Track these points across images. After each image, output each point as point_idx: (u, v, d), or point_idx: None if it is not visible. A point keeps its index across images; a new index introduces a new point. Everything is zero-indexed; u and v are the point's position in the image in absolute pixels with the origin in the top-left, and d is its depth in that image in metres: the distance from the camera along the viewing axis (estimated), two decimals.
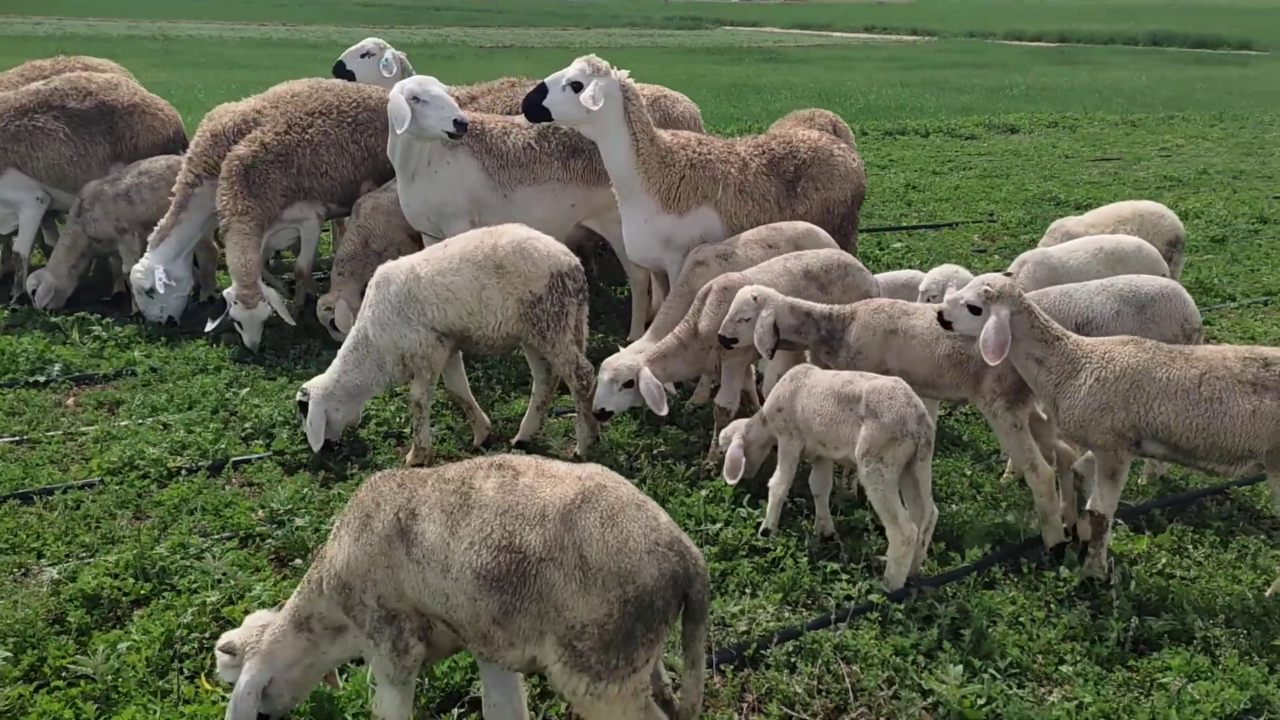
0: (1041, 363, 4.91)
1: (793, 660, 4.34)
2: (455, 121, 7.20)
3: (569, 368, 6.12)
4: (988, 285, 4.88)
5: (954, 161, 18.83)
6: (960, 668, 4.23)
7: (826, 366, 5.53)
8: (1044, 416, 5.51)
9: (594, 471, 3.36)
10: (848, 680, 4.22)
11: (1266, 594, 4.88)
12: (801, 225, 6.73)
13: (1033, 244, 10.48)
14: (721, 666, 4.29)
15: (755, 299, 5.53)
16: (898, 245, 11.82)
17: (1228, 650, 4.40)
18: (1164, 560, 5.17)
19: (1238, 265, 11.34)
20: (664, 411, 5.94)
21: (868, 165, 17.83)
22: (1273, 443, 4.61)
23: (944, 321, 5.03)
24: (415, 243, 8.32)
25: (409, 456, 6.22)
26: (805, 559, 5.05)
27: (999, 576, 5.01)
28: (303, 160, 8.23)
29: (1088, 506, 4.98)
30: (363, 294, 6.39)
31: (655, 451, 6.30)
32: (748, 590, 4.87)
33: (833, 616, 4.56)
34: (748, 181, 7.23)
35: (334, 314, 8.05)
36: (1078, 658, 4.43)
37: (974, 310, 4.91)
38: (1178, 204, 14.31)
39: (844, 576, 4.92)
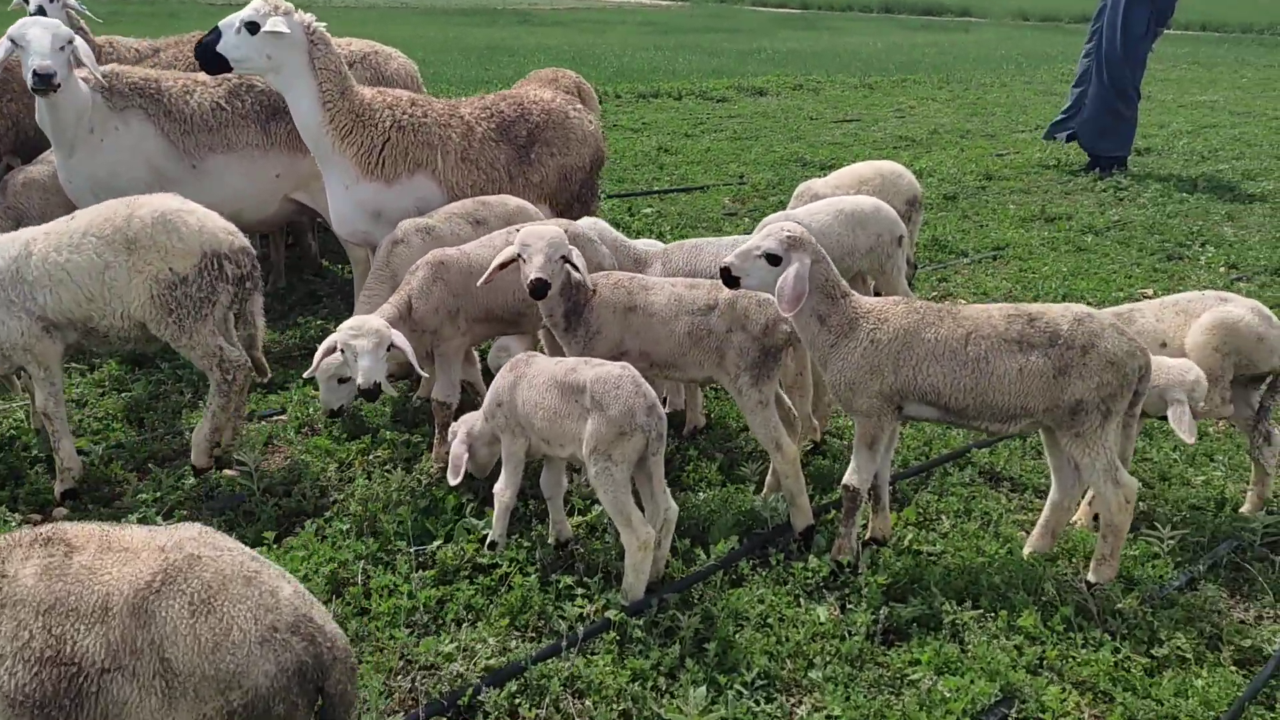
0: (824, 320, 4.52)
1: (516, 703, 3.74)
2: (34, 73, 5.87)
3: (209, 360, 5.17)
4: (789, 232, 4.42)
5: (706, 124, 18.73)
6: (703, 689, 3.75)
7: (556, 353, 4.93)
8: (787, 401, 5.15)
9: (185, 538, 2.56)
10: None
11: (1025, 553, 4.70)
12: (513, 202, 6.07)
13: (782, 205, 10.34)
14: None
15: (563, 248, 4.73)
16: (648, 211, 11.41)
17: (975, 635, 4.15)
18: (910, 537, 4.91)
19: (968, 221, 11.63)
20: (424, 373, 5.19)
21: (621, 129, 17.52)
22: (1048, 400, 4.38)
23: (731, 278, 4.50)
24: None
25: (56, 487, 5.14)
26: (536, 574, 4.45)
27: (747, 571, 4.59)
28: None
29: (844, 481, 4.64)
30: None
31: (370, 457, 5.52)
32: (468, 619, 4.22)
33: (563, 643, 3.98)
34: (472, 148, 6.49)
35: None
36: (828, 659, 4.06)
37: (772, 261, 4.43)
38: (913, 163, 14.65)
39: (579, 591, 4.36)
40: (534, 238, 4.68)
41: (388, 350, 4.81)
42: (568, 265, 4.78)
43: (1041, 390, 4.40)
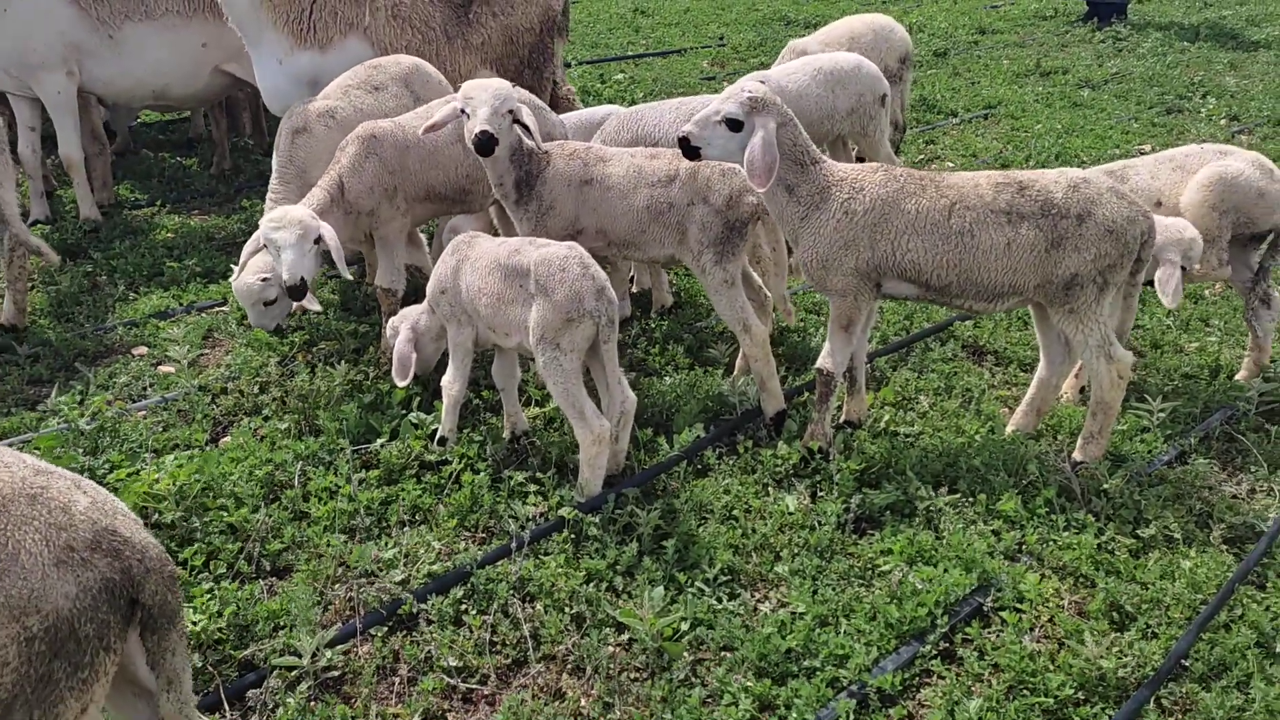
0: (792, 191, 4.15)
1: (462, 609, 3.55)
2: None
3: None
4: (750, 92, 4.02)
5: None
6: (661, 589, 3.55)
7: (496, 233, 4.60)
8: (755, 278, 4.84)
9: None
10: (525, 627, 3.47)
11: (1008, 431, 4.48)
12: (407, 61, 5.58)
13: (764, 67, 9.84)
14: (371, 632, 3.44)
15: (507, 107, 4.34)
16: (620, 77, 10.85)
17: (951, 521, 3.95)
18: (887, 418, 4.68)
19: (959, 79, 11.11)
20: (348, 275, 4.77)
21: None
22: (1041, 276, 4.07)
23: (690, 148, 4.11)
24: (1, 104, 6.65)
25: None
26: (487, 471, 4.22)
27: (713, 461, 4.37)
28: None
29: (817, 365, 4.37)
30: None
31: (315, 349, 5.24)
32: (413, 521, 4.01)
33: (513, 544, 3.78)
34: (403, 4, 6.00)
35: None
36: (795, 551, 3.87)
37: (733, 126, 4.04)
38: (903, 18, 13.99)
39: (532, 489, 4.14)
40: (478, 89, 4.30)
41: (315, 244, 4.47)
42: (517, 125, 4.40)
43: (1033, 265, 4.06)
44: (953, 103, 10.09)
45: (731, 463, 4.38)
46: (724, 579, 3.74)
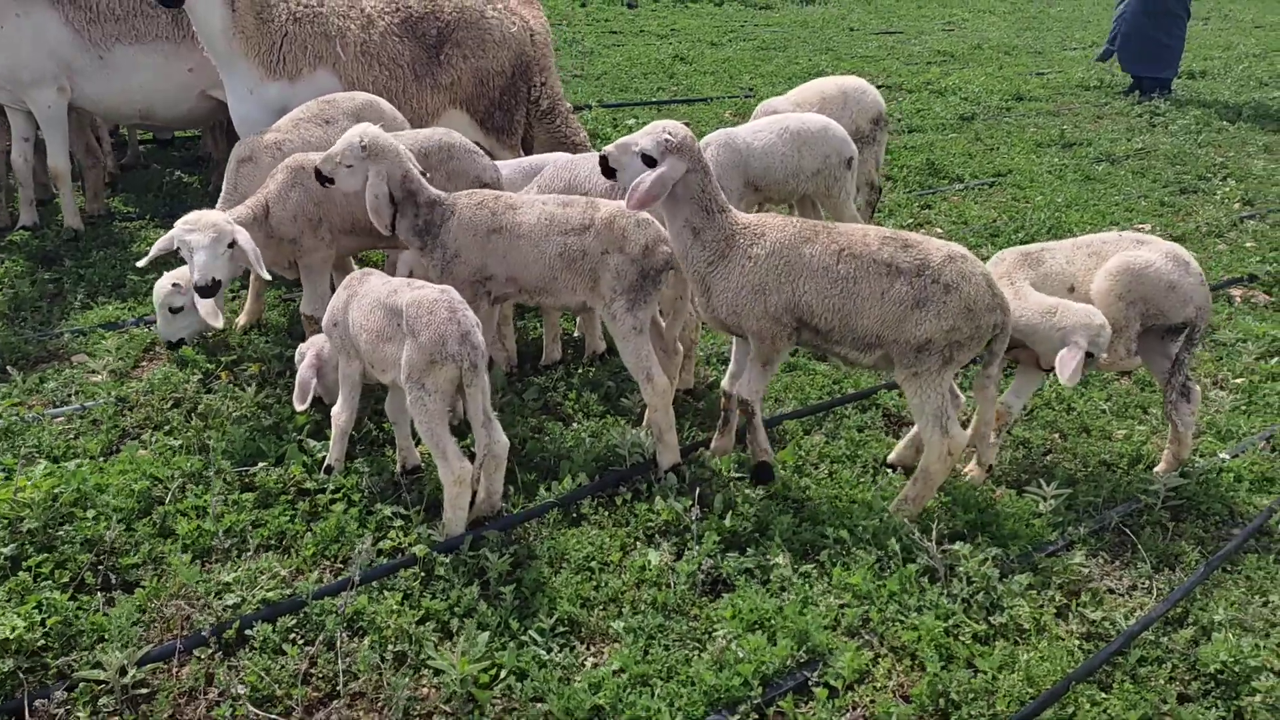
0: (698, 235, 4.33)
1: (291, 638, 3.64)
2: None
3: None
4: (669, 134, 4.22)
5: (737, 32, 18.13)
6: (485, 635, 3.61)
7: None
8: (660, 323, 4.91)
9: None
10: (341, 662, 3.54)
11: (890, 509, 4.49)
12: (361, 97, 5.78)
13: None
14: (196, 654, 3.54)
15: (365, 146, 4.54)
16: (632, 121, 11.02)
17: (798, 591, 3.94)
18: (778, 482, 4.69)
19: (978, 145, 11.07)
20: (267, 276, 4.91)
21: (647, 35, 17.02)
22: (898, 333, 4.21)
23: (608, 168, 4.38)
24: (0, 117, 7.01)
25: None
26: (363, 503, 4.33)
27: (589, 511, 4.42)
28: None
29: (733, 391, 4.59)
30: None
31: (238, 370, 5.42)
32: (277, 546, 4.12)
33: (355, 577, 3.86)
34: (372, 42, 6.22)
35: None
36: (642, 607, 3.89)
37: (648, 161, 4.25)
38: (940, 80, 14.05)
39: (398, 524, 4.23)
40: (350, 135, 4.52)
41: (229, 248, 4.66)
42: (402, 175, 4.57)
43: (897, 320, 4.21)
44: (961, 168, 10.06)
45: (607, 514, 4.42)
46: (562, 630, 3.78)
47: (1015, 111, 12.80)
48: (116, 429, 4.87)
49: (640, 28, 18.12)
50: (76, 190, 7.49)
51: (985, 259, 4.97)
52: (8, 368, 5.30)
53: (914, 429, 4.86)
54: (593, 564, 4.11)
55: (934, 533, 4.20)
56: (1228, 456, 5.07)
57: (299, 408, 4.63)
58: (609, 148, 4.44)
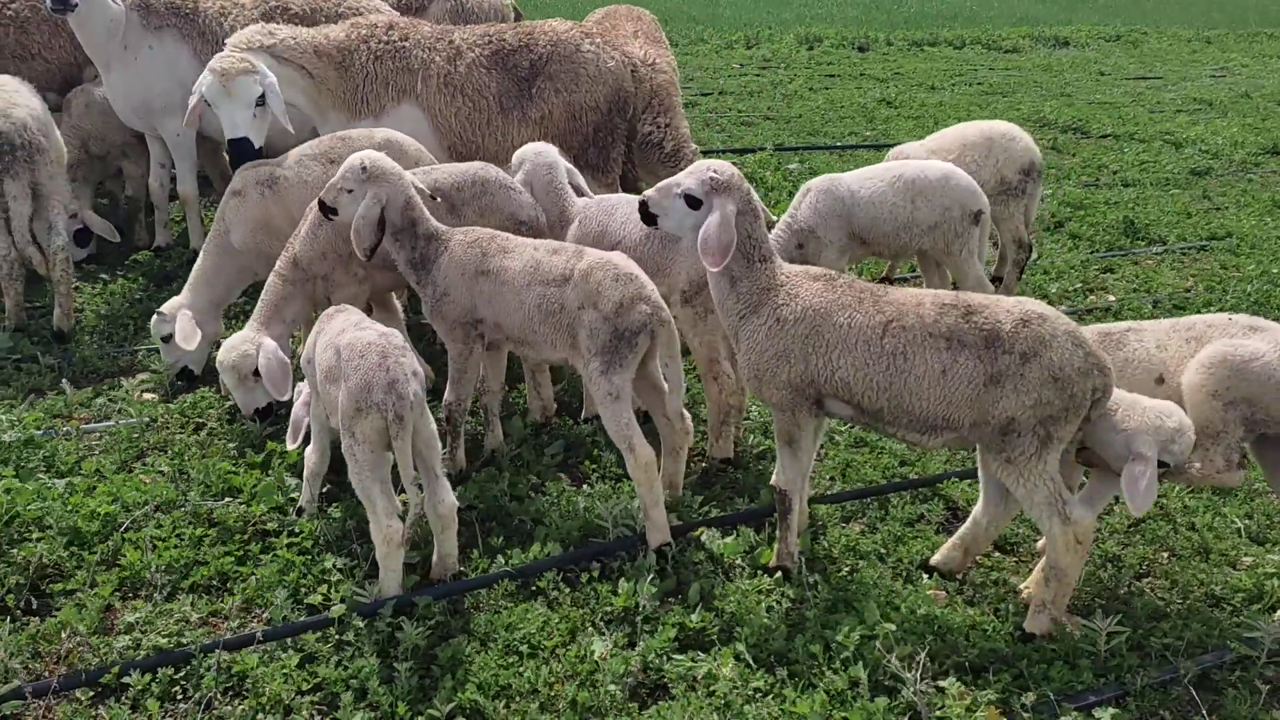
0: (735, 284, 3.94)
1: (173, 690, 3.46)
2: None
3: None
4: (715, 172, 3.90)
5: (964, 76, 17.19)
6: (361, 715, 3.29)
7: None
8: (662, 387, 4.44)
9: None
10: None
11: (933, 561, 3.90)
12: (381, 134, 5.62)
13: None
14: (78, 695, 3.42)
15: (365, 169, 4.43)
16: (795, 166, 10.50)
17: (736, 711, 3.36)
18: (773, 580, 4.09)
19: (1202, 204, 9.73)
20: (286, 396, 4.82)
21: (867, 78, 16.39)
22: (976, 413, 3.63)
23: (648, 214, 4.08)
24: (141, 144, 7.48)
25: None
26: (314, 551, 4.14)
27: (547, 586, 4.00)
28: (5, 40, 7.35)
29: (772, 481, 4.10)
30: None
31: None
32: (208, 589, 3.99)
33: (258, 634, 3.64)
34: (457, 74, 6.14)
35: (83, 223, 7.28)
36: (561, 706, 3.44)
37: (692, 203, 3.94)
38: (1183, 129, 12.60)
39: (335, 577, 3.99)
40: (351, 159, 4.38)
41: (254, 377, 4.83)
42: (404, 202, 4.40)
43: (968, 400, 3.65)
44: (1167, 229, 8.84)
45: (566, 592, 3.99)
46: (460, 713, 3.40)
47: (1263, 168, 11.22)
48: (134, 449, 4.94)
49: (862, 71, 17.49)
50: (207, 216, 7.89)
51: None
52: (64, 380, 5.53)
53: (965, 525, 4.17)
54: (526, 647, 3.70)
55: (921, 661, 3.49)
56: None
57: (290, 445, 4.53)
58: (649, 191, 4.13)
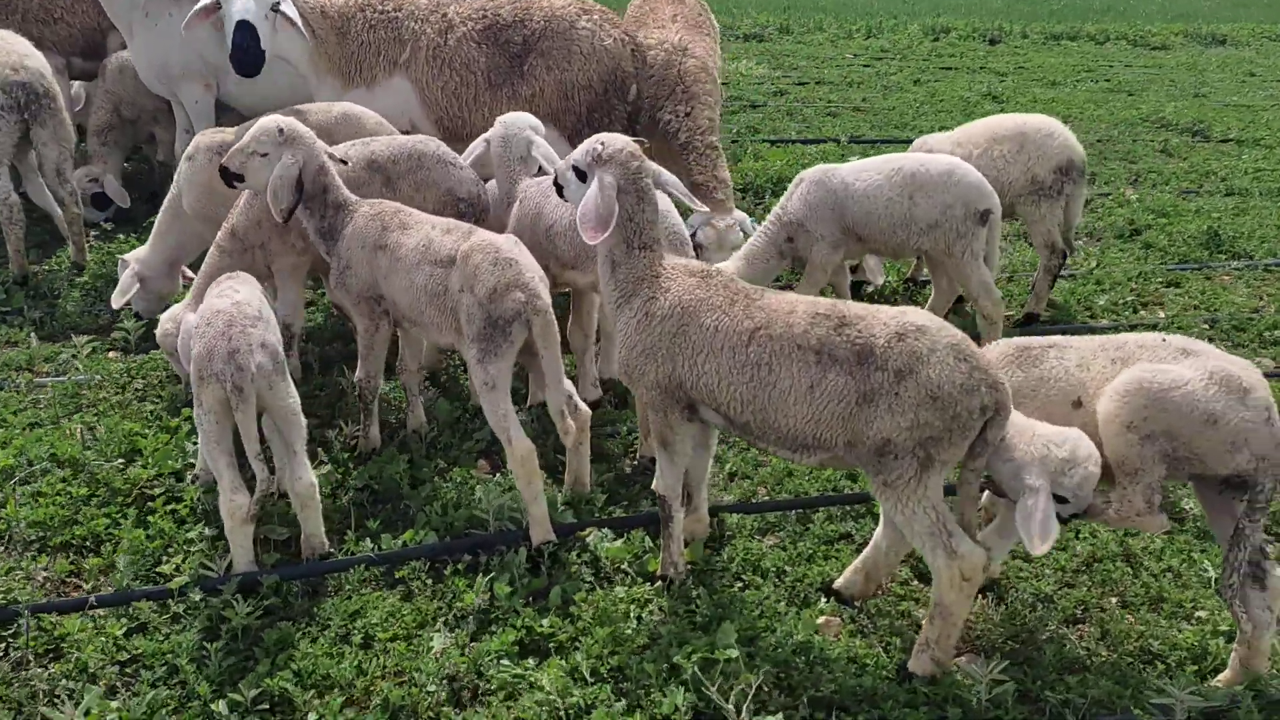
0: (615, 270, 3.72)
1: None
2: None
3: None
4: (601, 144, 3.71)
5: (1094, 72, 16.17)
6: (156, 692, 3.22)
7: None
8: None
9: None
10: None
11: (836, 585, 3.76)
12: (339, 108, 5.52)
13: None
14: None
15: (283, 132, 4.38)
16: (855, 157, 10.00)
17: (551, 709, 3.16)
18: (625, 590, 3.84)
19: None
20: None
21: (988, 74, 15.59)
22: (849, 433, 3.35)
23: (557, 185, 3.95)
24: (171, 110, 7.67)
25: None
26: (188, 518, 4.12)
27: (409, 575, 3.86)
28: (29, 3, 7.62)
29: (653, 486, 3.86)
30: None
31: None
32: (84, 549, 4.00)
33: (91, 599, 3.62)
34: (446, 47, 6.05)
35: (102, 186, 7.55)
36: (373, 703, 3.31)
37: (580, 175, 3.78)
38: None
39: (200, 546, 3.95)
40: (264, 122, 4.31)
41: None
42: (318, 168, 4.31)
43: (838, 419, 3.36)
44: (1256, 244, 8.05)
45: (429, 583, 3.85)
46: (262, 707, 3.30)
47: None
48: (73, 404, 5.04)
49: (984, 65, 16.68)
50: None
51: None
52: (30, 333, 5.68)
53: (868, 549, 3.85)
54: (361, 636, 3.58)
55: (751, 693, 3.20)
56: None
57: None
58: (559, 163, 3.96)
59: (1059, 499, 3.29)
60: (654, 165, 3.80)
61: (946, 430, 3.24)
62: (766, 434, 3.51)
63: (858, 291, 6.77)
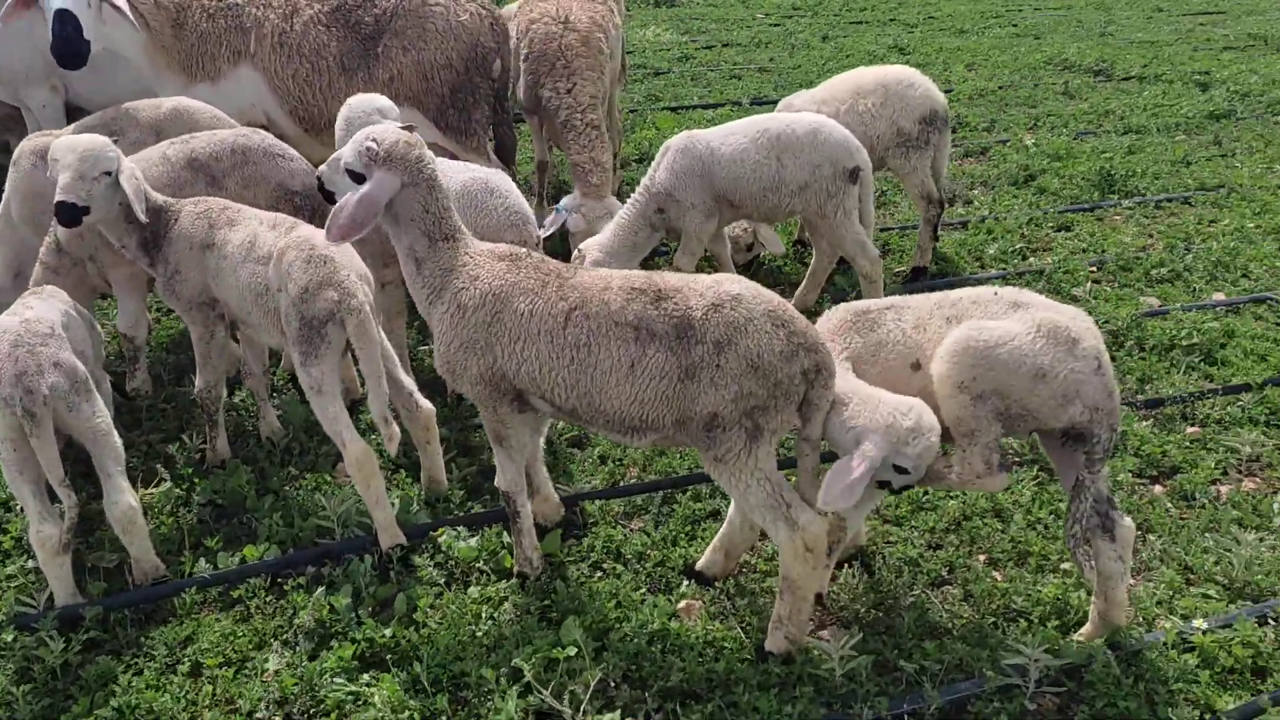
0: (421, 266, 3.50)
1: None
2: None
3: None
4: (373, 141, 3.42)
5: (1001, 18, 16.14)
6: None
7: None
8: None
9: None
10: None
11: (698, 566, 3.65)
12: (169, 104, 5.29)
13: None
14: None
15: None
16: None
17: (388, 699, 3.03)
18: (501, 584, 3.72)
19: (1207, 152, 8.86)
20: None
21: (899, 26, 15.49)
22: (677, 411, 3.24)
23: (325, 191, 3.67)
24: (16, 119, 7.35)
25: None
26: (13, 550, 3.92)
27: (246, 594, 3.69)
28: None
29: (495, 483, 3.71)
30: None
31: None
32: None
33: None
34: (293, 33, 5.80)
35: None
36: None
37: (355, 178, 3.48)
38: (1223, 68, 11.58)
39: (19, 581, 3.76)
40: (64, 150, 3.98)
41: None
42: (125, 184, 4.03)
43: (663, 397, 3.25)
44: (1149, 182, 8.04)
45: (268, 600, 3.69)
46: None
47: None
48: None
49: (893, 17, 16.59)
50: None
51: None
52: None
53: (724, 527, 3.75)
54: (189, 664, 3.41)
55: (589, 690, 3.08)
56: (1206, 626, 3.42)
57: None
58: (322, 167, 3.68)
59: (899, 469, 3.20)
60: (431, 153, 3.55)
61: (771, 398, 3.16)
62: (595, 418, 3.38)
63: (758, 263, 6.67)
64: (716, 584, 3.77)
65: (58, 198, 3.90)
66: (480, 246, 3.55)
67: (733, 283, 3.25)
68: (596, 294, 3.31)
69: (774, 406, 3.16)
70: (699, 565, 3.82)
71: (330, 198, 3.66)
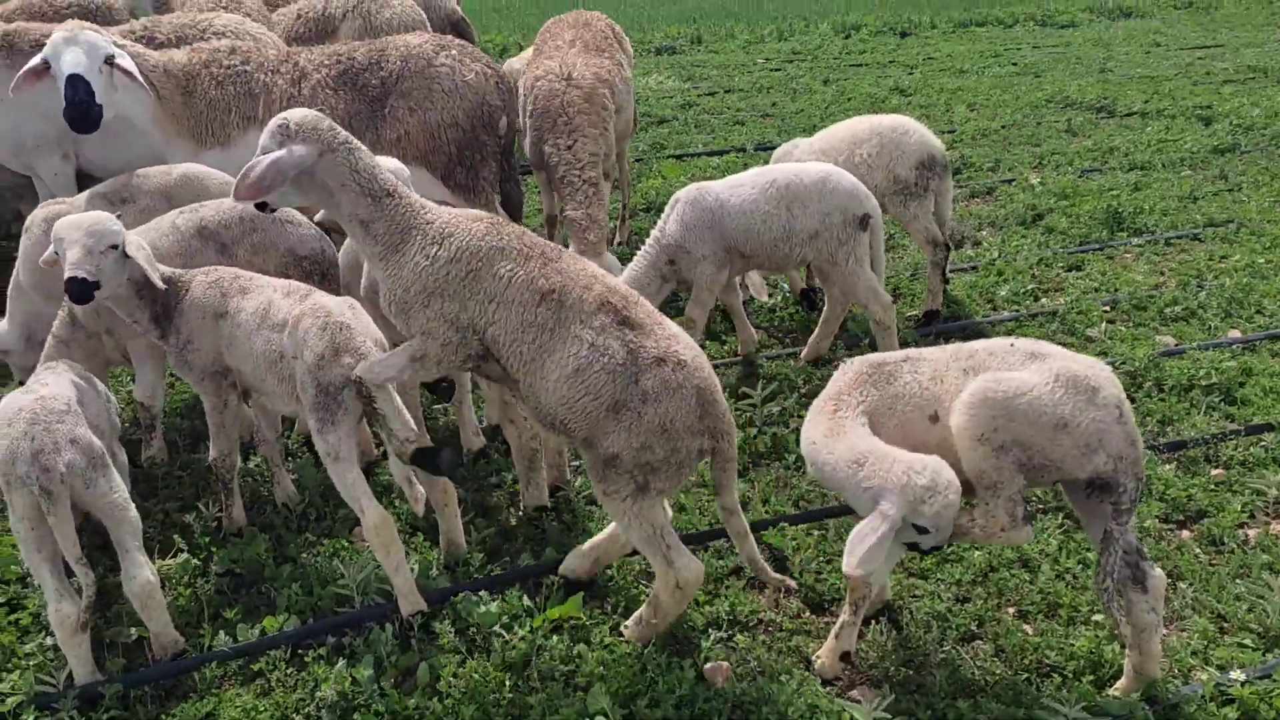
0: (368, 228, 3.54)
1: None
2: None
3: None
4: (285, 118, 3.48)
5: (1000, 57, 16.27)
6: None
7: None
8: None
9: None
10: None
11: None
12: (179, 170, 5.34)
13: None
14: None
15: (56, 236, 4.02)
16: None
17: None
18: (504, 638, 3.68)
19: (1214, 186, 8.87)
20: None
21: (897, 67, 15.64)
22: (585, 430, 3.44)
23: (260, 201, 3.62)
24: (27, 187, 7.41)
25: None
26: (31, 627, 3.89)
27: (267, 668, 3.65)
28: None
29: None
30: None
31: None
32: None
33: None
34: (300, 97, 5.85)
35: None
36: None
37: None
38: (1225, 101, 11.64)
39: (37, 659, 3.72)
40: (69, 228, 3.98)
41: None
42: (131, 258, 4.04)
43: (588, 415, 3.40)
44: (1158, 219, 8.05)
45: (291, 673, 3.65)
46: None
47: None
48: None
49: (893, 59, 16.74)
50: None
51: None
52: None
53: (602, 536, 4.01)
54: None
55: None
56: (1244, 678, 3.37)
57: None
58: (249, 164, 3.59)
59: (920, 529, 3.17)
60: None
61: (664, 463, 3.38)
62: (528, 399, 3.53)
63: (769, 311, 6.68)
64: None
65: (67, 274, 3.91)
66: (447, 210, 3.65)
67: (687, 348, 3.40)
68: (577, 288, 3.44)
69: (665, 471, 3.39)
70: (562, 568, 4.02)
71: (263, 207, 3.67)
